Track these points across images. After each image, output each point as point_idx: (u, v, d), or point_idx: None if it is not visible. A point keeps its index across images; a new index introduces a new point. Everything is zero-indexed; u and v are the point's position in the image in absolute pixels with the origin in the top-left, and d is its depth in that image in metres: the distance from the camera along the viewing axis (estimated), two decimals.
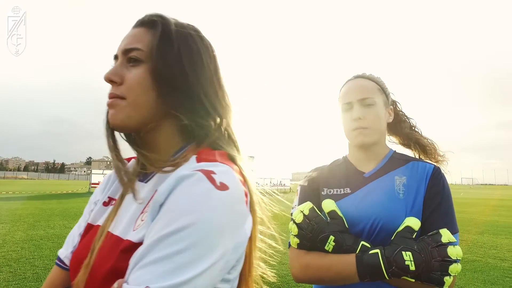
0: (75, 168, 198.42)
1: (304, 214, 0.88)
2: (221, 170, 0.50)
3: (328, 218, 0.87)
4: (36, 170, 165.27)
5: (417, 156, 1.05)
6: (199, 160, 0.53)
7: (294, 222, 0.89)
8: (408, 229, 0.79)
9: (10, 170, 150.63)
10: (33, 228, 7.20)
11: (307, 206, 0.89)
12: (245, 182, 0.55)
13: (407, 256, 0.74)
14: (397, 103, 1.08)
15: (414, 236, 0.79)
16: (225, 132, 0.61)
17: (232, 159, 0.58)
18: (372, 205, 0.89)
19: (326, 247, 0.83)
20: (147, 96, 0.56)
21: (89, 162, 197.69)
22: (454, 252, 0.74)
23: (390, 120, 1.01)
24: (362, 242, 0.81)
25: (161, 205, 0.47)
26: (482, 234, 7.37)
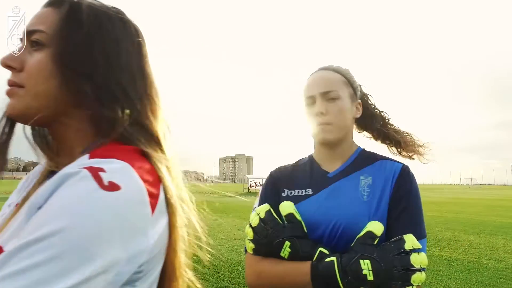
0: None
1: (260, 218, 0.81)
2: (114, 167, 0.43)
3: (286, 222, 0.80)
4: None
5: (394, 151, 0.98)
6: (92, 156, 0.46)
7: (250, 225, 0.82)
8: (370, 234, 0.72)
9: (9, 171, 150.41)
10: None
11: (263, 208, 0.82)
12: (156, 182, 0.48)
13: (365, 264, 0.67)
14: (368, 96, 1.01)
15: (376, 242, 0.72)
16: (145, 126, 0.54)
17: (146, 156, 0.51)
18: (333, 207, 0.82)
19: (281, 254, 0.76)
20: (48, 85, 0.50)
21: None
22: (418, 260, 0.67)
23: (358, 115, 0.93)
24: (320, 249, 0.75)
25: (39, 208, 0.40)
26: (478, 234, 7.31)
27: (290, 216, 0.80)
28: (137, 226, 0.42)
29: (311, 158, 0.97)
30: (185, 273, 0.56)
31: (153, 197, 0.46)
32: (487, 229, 8.16)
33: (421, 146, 0.97)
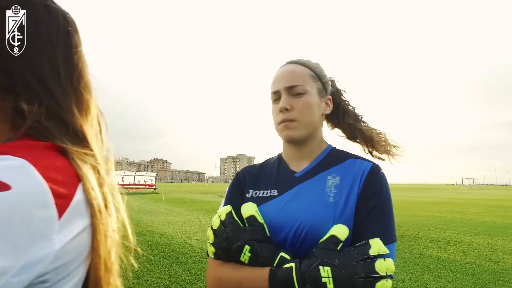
0: None
1: (220, 220, 0.76)
2: (7, 164, 0.38)
3: (247, 225, 0.75)
4: None
5: (366, 150, 0.92)
6: None
7: (212, 228, 0.77)
8: (333, 239, 0.66)
9: None
10: None
11: (224, 210, 0.77)
12: (71, 181, 0.44)
13: (325, 271, 0.62)
14: (342, 92, 0.95)
15: (339, 247, 0.66)
16: (68, 121, 0.49)
17: (64, 153, 0.46)
18: (297, 209, 0.76)
19: (241, 258, 0.71)
20: None
21: None
22: (383, 266, 0.61)
23: (328, 111, 0.88)
24: (281, 253, 0.69)
25: None
26: (478, 235, 7.23)
27: (251, 218, 0.74)
28: (33, 230, 0.37)
29: (279, 157, 0.92)
30: (114, 282, 0.51)
31: (62, 198, 0.41)
32: (487, 229, 8.08)
33: (394, 147, 0.92)
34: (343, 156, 0.84)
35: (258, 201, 0.81)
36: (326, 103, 0.87)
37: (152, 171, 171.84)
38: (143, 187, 28.09)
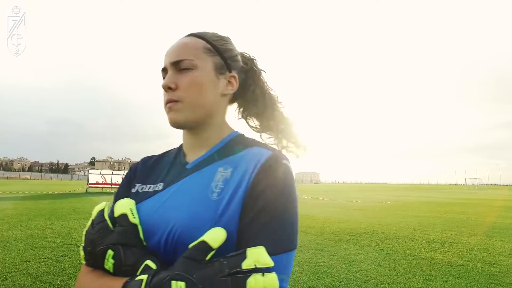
0: (79, 168, 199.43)
1: (92, 219, 0.63)
2: None
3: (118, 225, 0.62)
4: (40, 171, 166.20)
5: (282, 144, 0.78)
6: None
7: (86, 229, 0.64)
8: (202, 245, 0.52)
9: (15, 171, 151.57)
10: (12, 229, 7.04)
11: (97, 208, 0.64)
12: None
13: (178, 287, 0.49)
14: (260, 72, 0.80)
15: (210, 257, 0.52)
16: None
17: None
18: (173, 208, 0.63)
19: (105, 266, 0.58)
20: None
21: (92, 162, 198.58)
22: (258, 284, 0.46)
23: (230, 91, 0.73)
24: (147, 262, 0.55)
25: None
26: (476, 236, 7.06)
27: (122, 217, 0.61)
28: None
29: (180, 146, 0.78)
30: None
31: None
32: (485, 230, 7.89)
33: (301, 146, 0.78)
34: (245, 144, 0.70)
35: (142, 196, 0.68)
36: (229, 81, 0.73)
37: None
38: None
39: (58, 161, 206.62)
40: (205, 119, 0.70)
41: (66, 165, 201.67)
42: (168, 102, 0.67)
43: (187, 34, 0.73)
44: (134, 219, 0.61)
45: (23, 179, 78.40)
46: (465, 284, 3.85)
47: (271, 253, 0.52)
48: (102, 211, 0.63)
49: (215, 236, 0.53)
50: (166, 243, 0.60)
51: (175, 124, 0.68)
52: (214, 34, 0.74)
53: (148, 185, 0.71)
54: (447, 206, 15.57)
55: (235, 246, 0.57)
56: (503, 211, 12.93)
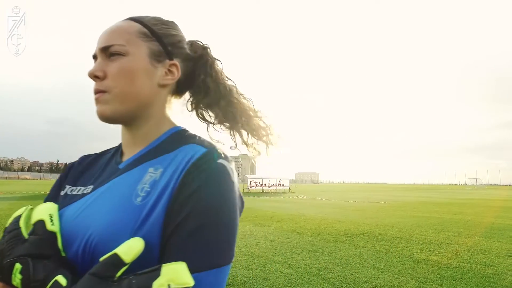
0: None
1: (5, 227, 0.56)
2: None
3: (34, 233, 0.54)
4: (39, 171, 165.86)
5: (242, 139, 0.70)
6: None
7: None
8: (114, 260, 0.45)
9: (15, 171, 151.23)
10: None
11: (16, 213, 0.57)
12: None
13: None
14: (215, 61, 0.71)
15: (120, 273, 0.45)
16: None
17: None
18: (92, 214, 0.55)
19: (13, 282, 0.50)
20: None
21: None
22: None
23: (169, 81, 0.65)
24: (57, 277, 0.48)
25: None
26: (473, 237, 6.98)
27: (39, 224, 0.53)
28: None
29: (120, 144, 0.70)
30: None
31: None
32: (483, 231, 7.82)
33: (272, 135, 0.71)
34: (184, 141, 0.62)
35: (69, 200, 0.61)
36: (169, 70, 0.65)
37: None
38: None
39: (57, 161, 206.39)
40: (139, 112, 0.62)
41: (66, 165, 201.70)
42: (95, 93, 0.60)
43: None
44: (52, 226, 0.53)
45: (22, 179, 78.24)
46: (460, 287, 3.78)
47: (194, 269, 0.45)
48: (18, 217, 0.56)
49: (129, 248, 0.45)
50: (83, 254, 0.52)
51: (103, 118, 0.60)
52: (154, 18, 0.66)
53: (78, 187, 0.63)
54: (446, 206, 15.49)
55: (158, 259, 0.49)
56: (502, 212, 12.85)
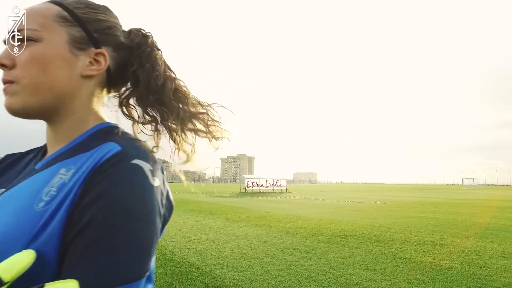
0: None
1: None
2: None
3: None
4: None
5: (173, 137, 0.62)
6: None
7: None
8: None
9: None
10: None
11: None
12: None
13: None
14: (156, 51, 0.64)
15: None
16: None
17: None
18: None
19: None
20: None
21: None
22: None
23: (92, 72, 0.57)
24: None
25: None
26: (468, 237, 6.94)
27: None
28: None
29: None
30: None
31: None
32: (478, 231, 7.78)
33: (220, 128, 0.64)
34: (108, 138, 0.55)
35: None
36: (94, 60, 0.57)
37: None
38: None
39: None
40: (57, 106, 0.55)
41: None
42: (3, 83, 0.53)
43: None
44: None
45: None
46: None
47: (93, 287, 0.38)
48: None
49: (11, 264, 0.38)
50: None
51: (12, 111, 0.53)
52: (78, 1, 0.58)
53: None
54: (442, 206, 15.48)
55: (54, 276, 0.42)
56: (498, 212, 12.84)
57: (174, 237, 6.63)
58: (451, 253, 5.47)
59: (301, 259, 4.94)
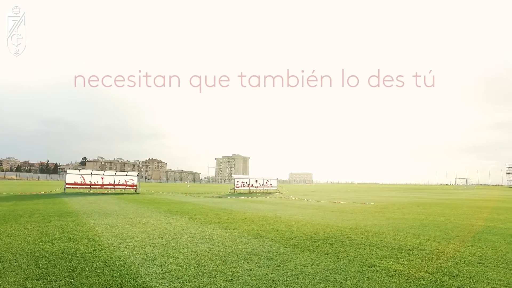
0: (70, 168, 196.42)
1: None
2: None
3: None
4: (29, 171, 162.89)
5: None
6: None
7: None
8: None
9: (3, 171, 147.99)
10: None
11: None
12: None
13: None
14: None
15: None
16: None
17: None
18: None
19: None
20: None
21: (83, 162, 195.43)
22: None
23: None
24: None
25: None
26: (448, 241, 6.51)
27: None
28: None
29: None
30: None
31: None
32: (460, 234, 7.37)
33: None
34: None
35: None
36: None
37: (146, 171, 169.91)
38: (124, 187, 27.18)
39: (47, 161, 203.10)
40: None
41: (56, 165, 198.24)
42: None
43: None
44: None
45: (9, 179, 76.28)
46: None
47: None
48: None
49: None
50: None
51: None
52: None
53: None
54: (430, 207, 15.11)
55: None
56: (485, 213, 12.49)
57: (133, 241, 6.11)
58: (425, 259, 5.02)
59: (258, 267, 4.46)
